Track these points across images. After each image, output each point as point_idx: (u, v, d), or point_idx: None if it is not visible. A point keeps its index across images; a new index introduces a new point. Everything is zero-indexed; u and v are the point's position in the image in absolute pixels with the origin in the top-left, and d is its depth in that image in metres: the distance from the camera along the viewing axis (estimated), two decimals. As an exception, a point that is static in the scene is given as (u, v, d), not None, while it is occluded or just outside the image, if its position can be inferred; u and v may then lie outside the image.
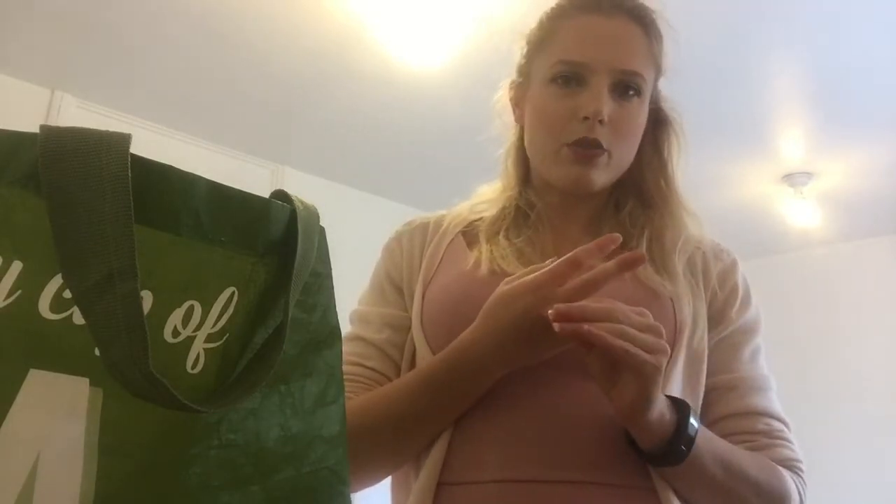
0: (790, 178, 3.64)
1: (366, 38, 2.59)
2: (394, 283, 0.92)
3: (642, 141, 0.90)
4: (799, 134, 3.27)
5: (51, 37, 2.62)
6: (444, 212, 0.98)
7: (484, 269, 0.85)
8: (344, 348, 0.56)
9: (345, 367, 0.60)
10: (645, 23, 0.87)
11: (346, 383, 0.78)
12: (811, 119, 3.15)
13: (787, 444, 0.83)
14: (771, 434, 0.83)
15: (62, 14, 2.47)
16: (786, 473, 0.80)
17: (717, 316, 0.88)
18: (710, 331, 0.87)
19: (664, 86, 0.94)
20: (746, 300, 0.90)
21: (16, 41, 2.65)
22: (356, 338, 0.88)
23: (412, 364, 0.86)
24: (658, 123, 0.93)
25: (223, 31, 2.59)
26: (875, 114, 3.04)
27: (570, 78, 0.85)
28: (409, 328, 0.88)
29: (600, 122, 0.83)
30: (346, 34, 2.58)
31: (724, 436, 0.81)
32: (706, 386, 0.85)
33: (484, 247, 0.88)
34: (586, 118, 0.83)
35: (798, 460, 0.83)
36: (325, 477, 0.49)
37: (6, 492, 0.37)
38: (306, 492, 0.48)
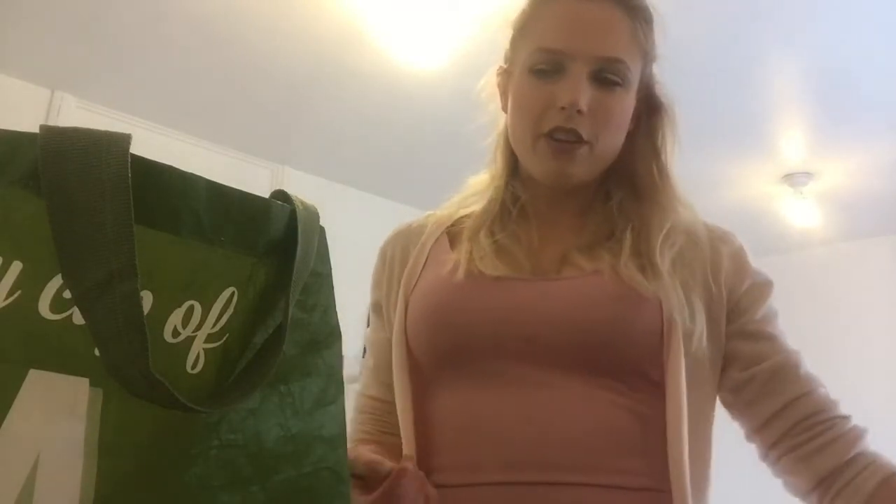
0: (790, 178, 3.64)
1: (366, 38, 2.59)
2: (379, 306, 0.93)
3: (635, 129, 0.86)
4: (799, 134, 3.27)
5: (51, 37, 2.62)
6: (431, 212, 0.96)
7: (460, 272, 0.82)
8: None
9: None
10: (629, 7, 0.83)
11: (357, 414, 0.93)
12: (811, 119, 3.14)
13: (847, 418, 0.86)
14: (839, 412, 0.87)
15: (62, 14, 2.47)
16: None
17: (741, 304, 0.84)
18: (731, 323, 0.83)
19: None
20: (764, 280, 0.86)
21: (16, 41, 2.65)
22: (365, 367, 0.94)
23: (395, 375, 0.85)
24: (652, 110, 0.89)
25: (223, 32, 2.59)
26: (875, 114, 3.04)
27: (549, 66, 0.81)
28: None
29: (579, 111, 0.79)
30: (346, 34, 2.58)
31: (802, 417, 0.83)
32: (741, 379, 0.82)
33: (464, 246, 0.85)
34: (563, 108, 0.79)
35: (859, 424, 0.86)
36: (325, 477, 0.49)
37: (6, 492, 0.37)
38: (306, 492, 0.48)
